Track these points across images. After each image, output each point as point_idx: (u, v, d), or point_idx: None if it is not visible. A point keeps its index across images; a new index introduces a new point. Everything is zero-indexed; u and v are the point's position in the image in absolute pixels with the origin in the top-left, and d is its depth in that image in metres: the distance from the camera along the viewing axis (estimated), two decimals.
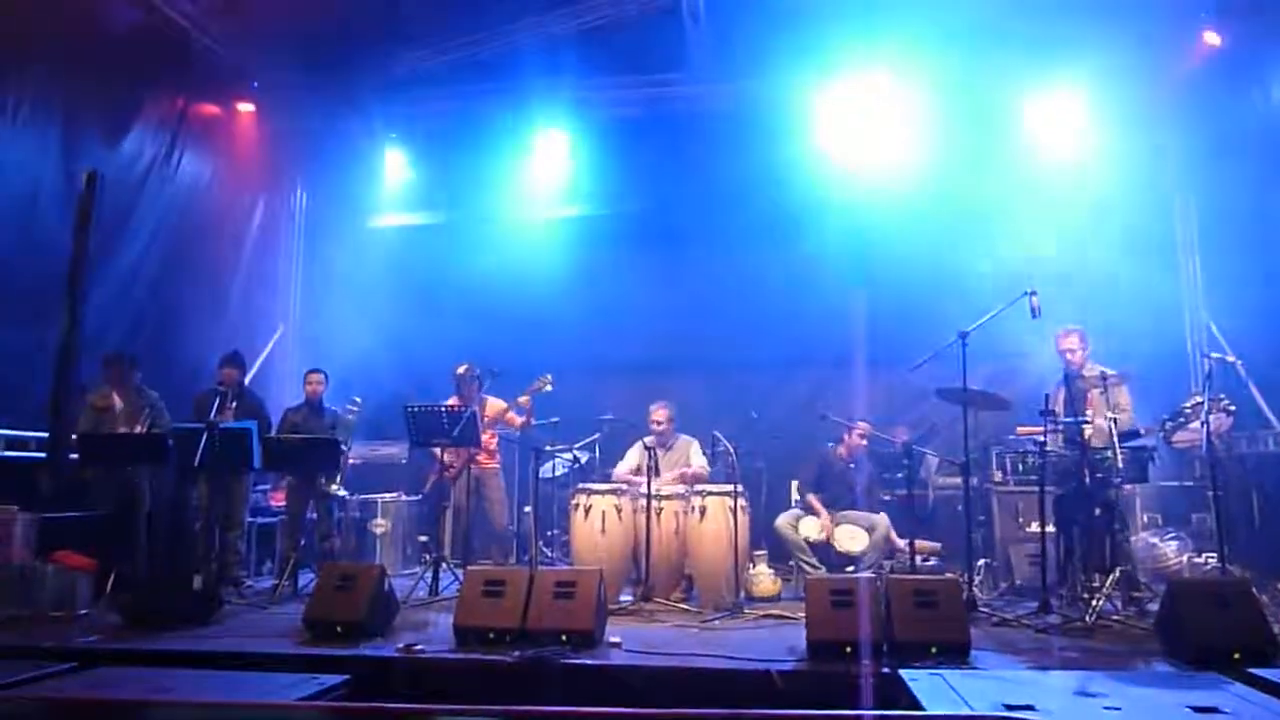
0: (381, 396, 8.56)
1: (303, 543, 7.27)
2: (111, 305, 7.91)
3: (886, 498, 7.83)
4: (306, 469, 7.27)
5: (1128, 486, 6.36)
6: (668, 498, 6.63)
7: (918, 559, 6.50)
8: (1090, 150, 8.88)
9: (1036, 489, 6.04)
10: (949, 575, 5.99)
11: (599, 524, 6.53)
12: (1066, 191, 8.86)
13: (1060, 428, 6.19)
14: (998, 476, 7.38)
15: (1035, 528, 6.33)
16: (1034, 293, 6.01)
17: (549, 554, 8.02)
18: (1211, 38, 8.11)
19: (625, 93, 9.71)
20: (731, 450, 6.72)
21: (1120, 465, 5.64)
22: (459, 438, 6.69)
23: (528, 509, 8.03)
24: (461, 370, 7.63)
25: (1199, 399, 5.93)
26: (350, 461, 8.21)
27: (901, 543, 7.02)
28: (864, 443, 7.51)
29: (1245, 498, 7.08)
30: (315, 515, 7.45)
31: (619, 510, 6.57)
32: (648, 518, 6.45)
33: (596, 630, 4.91)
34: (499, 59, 9.11)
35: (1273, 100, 7.71)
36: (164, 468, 6.89)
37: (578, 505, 6.69)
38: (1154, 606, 5.28)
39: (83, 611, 5.82)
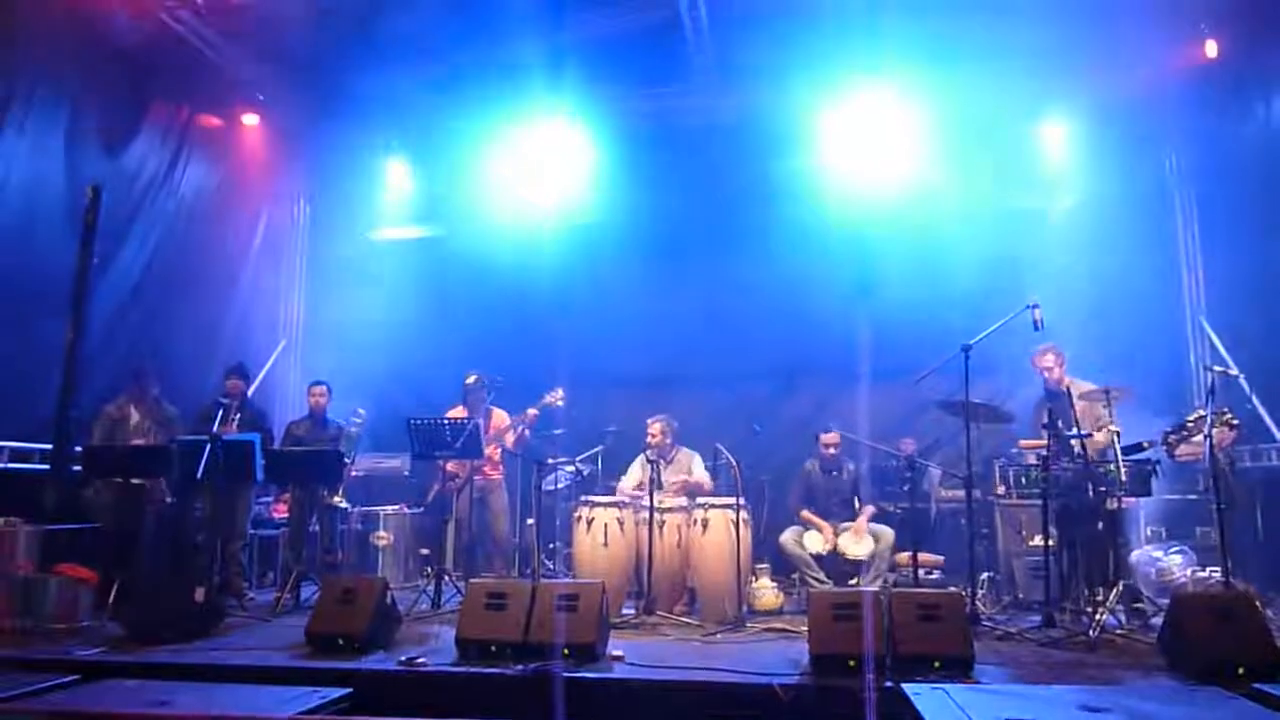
0: (384, 409, 8.58)
1: (305, 555, 7.27)
2: (115, 317, 7.94)
3: (891, 509, 7.81)
4: (309, 481, 7.27)
5: (1130, 500, 6.35)
6: (670, 510, 6.62)
7: (920, 572, 6.48)
8: (1092, 163, 8.91)
9: (1039, 502, 6.04)
10: (952, 589, 5.99)
11: (601, 536, 6.52)
12: (1068, 204, 8.88)
13: (1060, 441, 6.18)
14: (1000, 490, 7.34)
15: (1038, 541, 6.32)
16: (1036, 305, 6.04)
17: (551, 566, 8.01)
18: (1212, 48, 8.13)
19: (628, 105, 9.72)
20: (734, 463, 6.71)
21: (1123, 479, 5.64)
22: (462, 450, 6.70)
23: (530, 521, 8.03)
24: (471, 380, 7.65)
25: (1202, 412, 5.92)
26: (353, 474, 8.22)
27: (904, 556, 7.00)
28: (834, 451, 7.45)
29: (1249, 511, 7.07)
30: (318, 528, 7.45)
31: (621, 523, 6.57)
32: (650, 530, 6.44)
33: (599, 643, 4.90)
34: (503, 70, 9.14)
35: (1275, 111, 7.73)
36: (167, 480, 6.91)
37: (580, 518, 6.68)
38: (1157, 621, 5.26)
39: (85, 624, 5.81)
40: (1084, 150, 9.02)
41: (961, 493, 6.78)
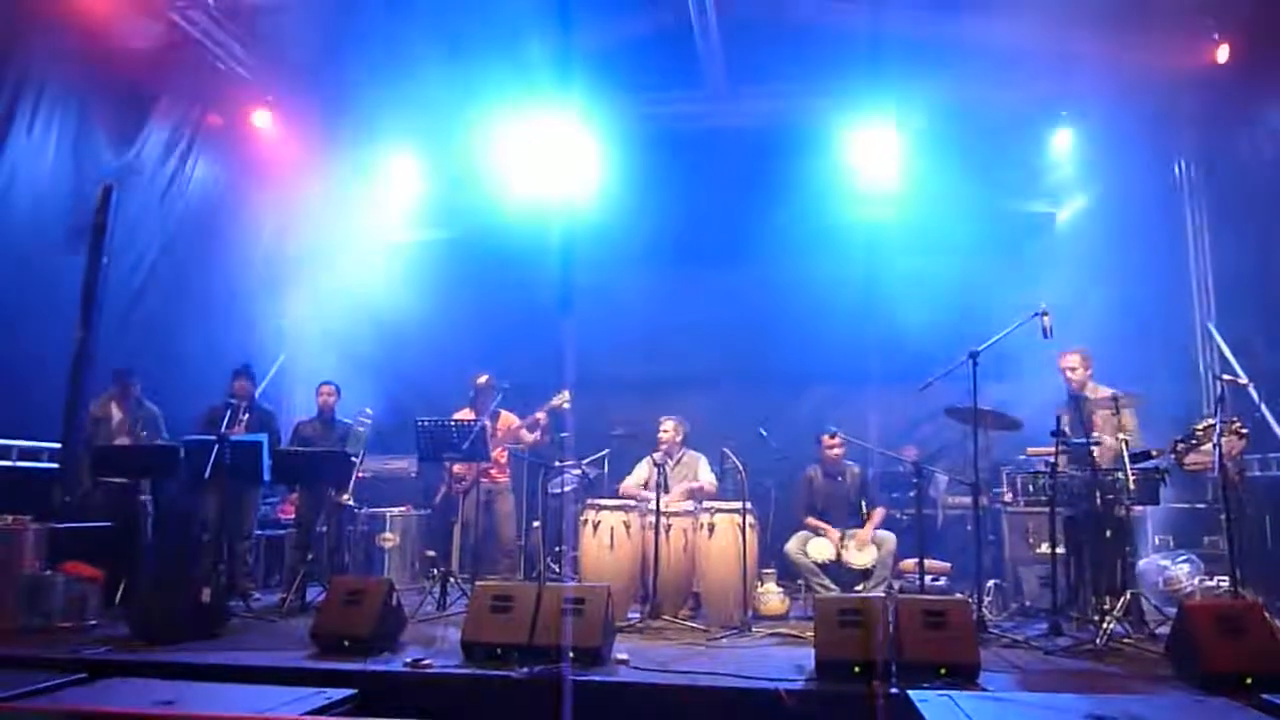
0: (391, 411, 8.59)
1: (311, 556, 7.28)
2: (124, 316, 7.97)
3: (897, 515, 7.79)
4: (316, 482, 7.29)
5: (1138, 508, 6.33)
6: (676, 514, 6.62)
7: (927, 579, 6.47)
8: (1101, 169, 8.89)
9: (1047, 510, 6.02)
10: (958, 595, 5.97)
11: (607, 540, 6.53)
12: (1080, 212, 8.86)
13: (1069, 449, 6.16)
14: (1008, 496, 7.35)
15: (1045, 549, 6.30)
16: (1045, 313, 6.02)
17: (557, 570, 8.00)
18: (1223, 53, 8.11)
19: (638, 109, 9.73)
20: (740, 467, 6.70)
21: (1131, 487, 5.62)
22: (469, 452, 6.70)
23: (536, 524, 8.02)
24: (481, 381, 7.66)
25: (1211, 421, 5.90)
26: (359, 475, 8.23)
27: (910, 563, 6.98)
28: (836, 453, 7.40)
29: (1258, 521, 7.02)
30: (324, 528, 7.46)
31: (627, 526, 6.57)
32: (656, 534, 6.44)
33: (604, 647, 4.90)
34: (513, 74, 9.16)
35: None
36: (172, 480, 6.93)
37: (586, 521, 6.69)
38: (1165, 630, 5.24)
39: (92, 622, 5.83)
40: (1093, 155, 8.99)
41: (968, 499, 6.79)
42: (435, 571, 7.10)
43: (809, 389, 9.64)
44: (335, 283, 10.47)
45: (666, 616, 6.28)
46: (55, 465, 6.97)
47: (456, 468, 7.42)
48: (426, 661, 4.74)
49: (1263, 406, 7.27)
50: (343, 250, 10.53)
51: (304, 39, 8.66)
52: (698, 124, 9.76)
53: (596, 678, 4.57)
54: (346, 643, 5.04)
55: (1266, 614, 4.73)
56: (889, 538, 7.01)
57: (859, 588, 6.77)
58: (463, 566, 7.38)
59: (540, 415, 7.50)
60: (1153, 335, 8.20)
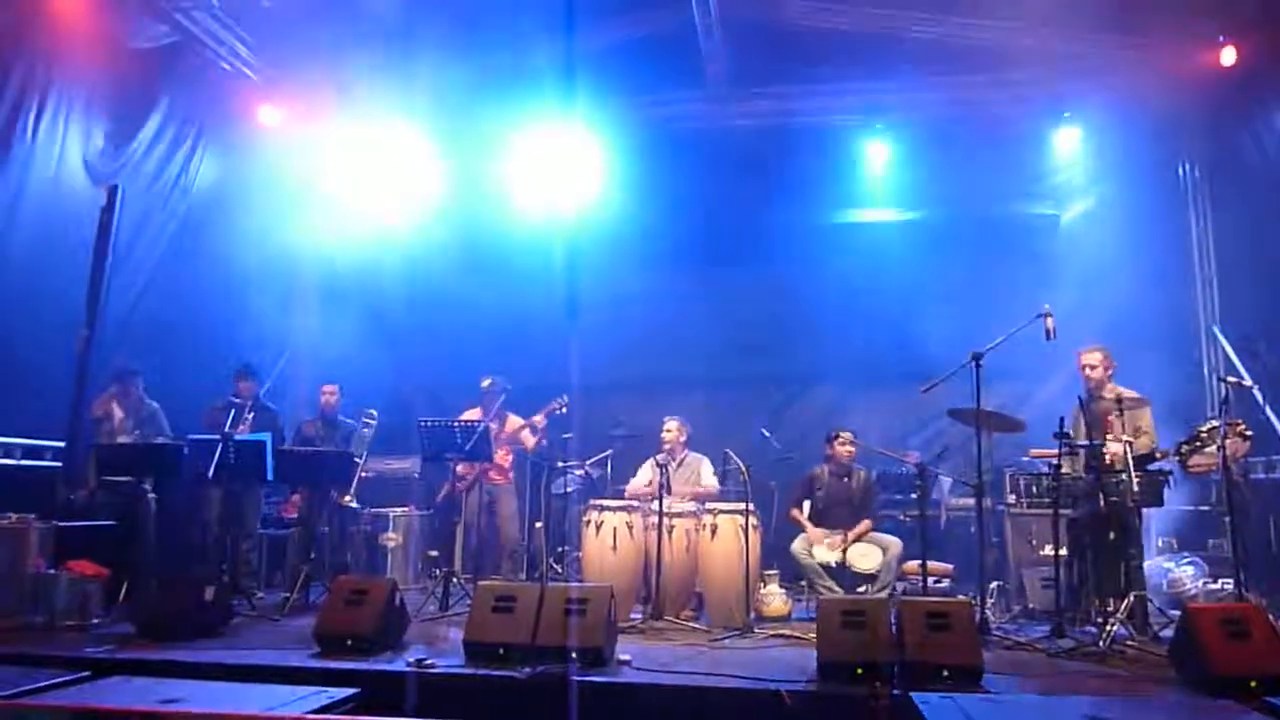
0: (394, 411, 8.59)
1: (314, 555, 7.29)
2: (128, 315, 7.98)
3: (900, 518, 7.78)
4: (319, 481, 7.29)
5: (1143, 510, 6.31)
6: (679, 515, 6.62)
7: (930, 581, 6.45)
8: (1105, 170, 8.88)
9: (1050, 512, 6.00)
10: (961, 598, 5.96)
11: (610, 541, 6.53)
12: (1083, 213, 8.85)
13: (1075, 450, 6.15)
14: (1011, 499, 7.33)
15: (1048, 551, 6.29)
16: (1049, 314, 6.01)
17: (559, 570, 8.01)
18: (1228, 58, 8.10)
19: (641, 111, 9.75)
20: (743, 468, 6.70)
21: (1136, 489, 5.61)
22: (471, 452, 6.71)
23: (539, 525, 8.04)
24: (486, 384, 7.66)
25: (1215, 423, 5.88)
26: (362, 475, 8.24)
27: (913, 565, 6.97)
28: (848, 453, 7.36)
29: (1262, 523, 7.02)
30: (327, 528, 7.47)
31: (630, 527, 6.57)
32: (659, 535, 6.44)
33: (607, 648, 4.90)
34: (519, 76, 9.18)
35: None
36: (176, 479, 6.93)
37: (589, 521, 6.69)
38: (1169, 633, 5.23)
39: (96, 621, 5.84)
40: (1097, 158, 8.98)
41: (971, 501, 6.77)
42: (438, 571, 7.11)
43: (812, 390, 9.64)
44: (339, 282, 10.49)
45: (669, 617, 6.28)
46: (59, 464, 6.98)
47: (459, 467, 7.43)
48: (429, 661, 4.74)
49: (1267, 408, 7.25)
50: (347, 249, 10.54)
51: (308, 38, 8.67)
52: (701, 125, 9.77)
53: (599, 678, 4.57)
54: (349, 642, 5.04)
55: (1270, 617, 4.72)
56: (895, 543, 6.97)
57: (861, 590, 6.76)
58: (465, 566, 7.38)
59: (538, 419, 7.51)
60: (1156, 337, 8.18)
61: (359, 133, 9.91)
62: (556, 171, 10.00)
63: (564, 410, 7.42)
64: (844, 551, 6.93)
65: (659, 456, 7.13)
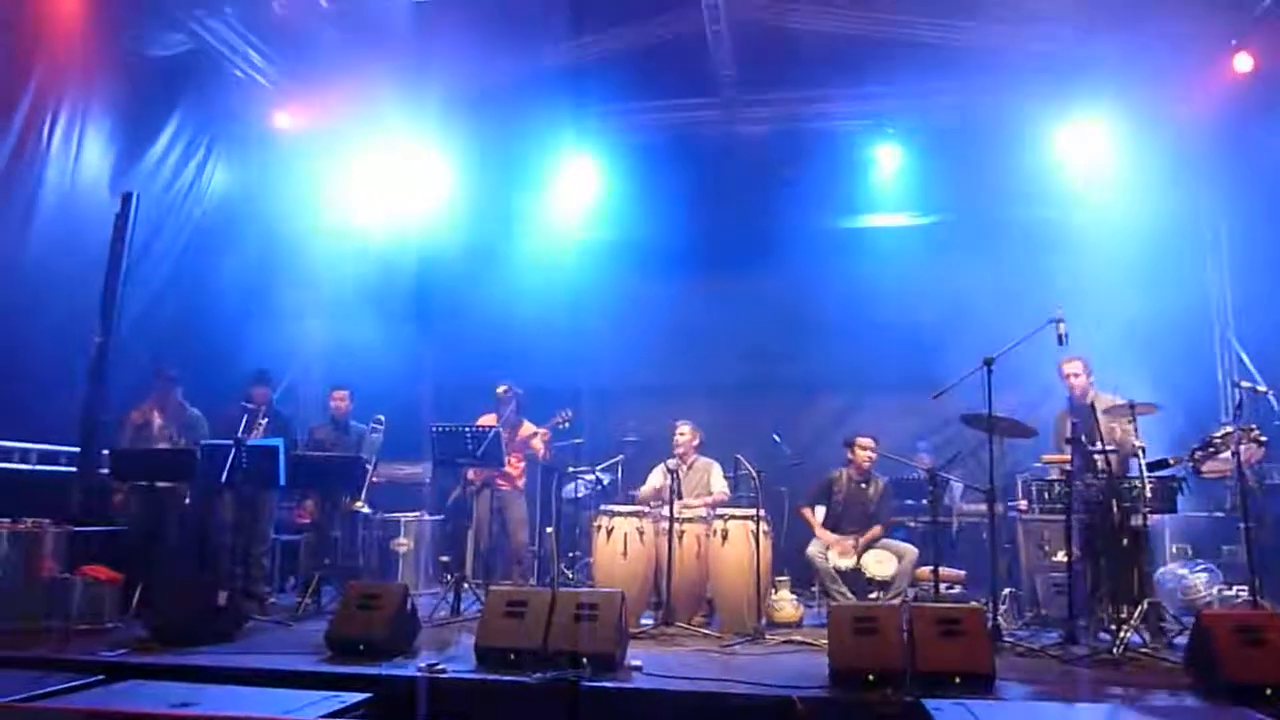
0: (405, 416, 8.61)
1: (326, 560, 7.31)
2: (142, 321, 8.02)
3: (911, 524, 7.75)
4: (331, 486, 7.32)
5: (1156, 517, 6.28)
6: (690, 521, 6.62)
7: (941, 587, 6.43)
8: (1120, 177, 8.84)
9: (1062, 518, 5.98)
10: (973, 604, 5.94)
11: (621, 546, 6.53)
12: (1096, 218, 8.81)
13: (1086, 456, 6.12)
14: (1023, 504, 7.29)
15: (1061, 557, 6.26)
16: (1061, 320, 5.99)
17: (570, 575, 8.01)
18: (1243, 63, 8.06)
19: (651, 118, 9.78)
20: (754, 474, 6.69)
21: (1148, 495, 5.58)
22: (483, 457, 6.72)
23: (549, 530, 8.04)
24: (501, 390, 7.67)
25: (1229, 429, 5.86)
26: (373, 480, 8.26)
27: (925, 571, 6.94)
28: (870, 458, 7.34)
29: (1277, 529, 6.97)
30: (339, 533, 7.49)
31: (641, 533, 6.57)
32: (669, 541, 6.44)
33: (617, 653, 4.90)
34: (528, 83, 9.21)
35: None
36: (191, 484, 6.97)
37: (600, 527, 6.69)
38: (1182, 640, 5.20)
39: (110, 625, 5.88)
40: (1111, 162, 8.94)
41: (983, 507, 6.74)
42: (449, 576, 7.12)
43: (823, 396, 9.63)
44: (353, 287, 10.52)
45: (680, 623, 6.28)
46: (74, 469, 7.02)
47: (470, 472, 7.44)
48: (441, 666, 4.75)
49: None
50: (360, 254, 10.58)
51: (320, 44, 8.72)
52: (710, 131, 9.78)
53: (610, 684, 4.57)
54: (361, 647, 5.06)
55: None
56: (910, 550, 6.95)
57: (873, 596, 6.74)
58: (476, 571, 7.39)
59: (544, 432, 7.53)
60: (1170, 342, 8.14)
61: (371, 138, 9.94)
62: (565, 177, 10.03)
63: (567, 425, 7.44)
64: (858, 557, 6.92)
65: (670, 462, 7.13)
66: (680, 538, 6.50)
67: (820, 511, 7.33)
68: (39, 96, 7.27)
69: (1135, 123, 8.68)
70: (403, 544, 8.25)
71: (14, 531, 5.88)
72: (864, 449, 7.32)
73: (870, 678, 4.46)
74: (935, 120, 9.15)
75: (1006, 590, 6.80)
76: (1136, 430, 5.88)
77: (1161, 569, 6.82)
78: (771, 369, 9.55)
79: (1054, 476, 6.22)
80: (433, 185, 10.44)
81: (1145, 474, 5.58)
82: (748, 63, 8.96)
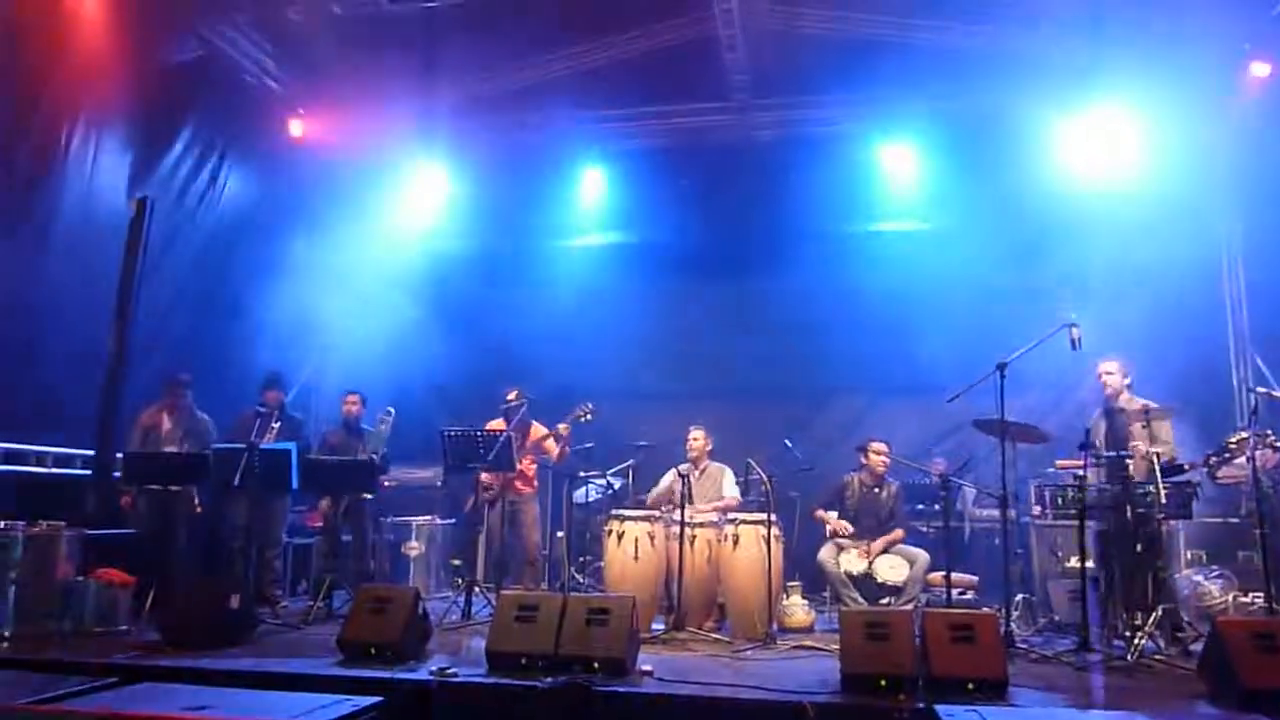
0: (417, 421, 8.63)
1: (338, 564, 7.32)
2: (157, 327, 8.08)
3: (924, 529, 7.72)
4: (343, 490, 7.34)
5: (1171, 522, 6.24)
6: (701, 525, 6.61)
7: (954, 592, 6.40)
8: (1134, 180, 8.79)
9: (1076, 523, 5.94)
10: (986, 609, 5.91)
11: (632, 550, 6.52)
12: (1110, 222, 8.76)
13: (1101, 461, 6.09)
14: (1036, 510, 7.26)
15: (1074, 563, 6.22)
16: (1074, 324, 5.96)
17: (581, 580, 8.01)
18: (1259, 69, 8.02)
19: (663, 122, 9.79)
20: (765, 479, 6.68)
21: (1163, 500, 5.55)
22: (494, 462, 6.73)
23: (560, 534, 8.05)
24: (511, 396, 7.68)
25: (1245, 434, 5.82)
26: (386, 484, 8.28)
27: (937, 576, 6.92)
28: (884, 462, 7.33)
29: None
30: (351, 537, 7.51)
31: (652, 537, 6.56)
32: (681, 545, 6.43)
33: (629, 658, 4.89)
34: (539, 86, 9.24)
35: None
36: (203, 487, 7.00)
37: (611, 531, 6.68)
38: (1198, 647, 5.16)
39: (123, 628, 5.91)
40: (1125, 165, 8.88)
41: (995, 512, 6.71)
42: (460, 580, 7.13)
43: (835, 401, 9.62)
44: (364, 292, 10.56)
45: (691, 628, 6.27)
46: (88, 472, 7.07)
47: (483, 477, 7.45)
48: (452, 670, 4.75)
49: None
50: (372, 259, 10.63)
51: (334, 50, 8.77)
52: (723, 136, 9.78)
53: (621, 689, 4.55)
54: (373, 651, 5.07)
55: None
56: (922, 556, 6.93)
57: (884, 602, 6.72)
58: (488, 576, 7.40)
59: (562, 427, 7.52)
60: (1185, 347, 8.09)
61: (383, 145, 9.98)
62: (577, 181, 10.05)
63: (589, 417, 7.42)
64: (870, 562, 6.89)
65: (681, 466, 7.13)
66: (691, 542, 6.49)
67: (832, 516, 7.31)
68: (56, 103, 7.34)
69: (1149, 125, 8.63)
70: (414, 548, 8.27)
71: (29, 534, 5.91)
72: (878, 454, 7.31)
73: (882, 683, 4.44)
74: (946, 123, 9.11)
75: (1020, 596, 6.77)
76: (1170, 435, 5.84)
77: (1176, 575, 6.77)
78: (783, 374, 9.54)
79: (1086, 480, 6.10)
80: (444, 191, 10.49)
81: (1160, 479, 5.55)
82: (758, 68, 8.96)
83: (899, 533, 7.16)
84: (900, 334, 8.88)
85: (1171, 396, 6.35)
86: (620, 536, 6.59)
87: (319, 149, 10.02)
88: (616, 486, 8.08)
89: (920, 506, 8.01)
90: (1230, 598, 6.59)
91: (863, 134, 9.34)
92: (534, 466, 7.79)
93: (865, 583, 6.86)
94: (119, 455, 7.03)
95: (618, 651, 4.81)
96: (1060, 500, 6.62)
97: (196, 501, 7.05)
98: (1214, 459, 5.99)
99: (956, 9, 8.16)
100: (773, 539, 6.40)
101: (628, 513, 6.83)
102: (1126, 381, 6.38)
